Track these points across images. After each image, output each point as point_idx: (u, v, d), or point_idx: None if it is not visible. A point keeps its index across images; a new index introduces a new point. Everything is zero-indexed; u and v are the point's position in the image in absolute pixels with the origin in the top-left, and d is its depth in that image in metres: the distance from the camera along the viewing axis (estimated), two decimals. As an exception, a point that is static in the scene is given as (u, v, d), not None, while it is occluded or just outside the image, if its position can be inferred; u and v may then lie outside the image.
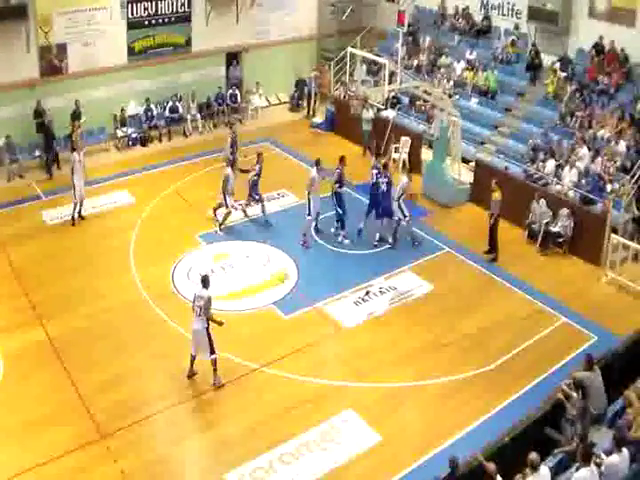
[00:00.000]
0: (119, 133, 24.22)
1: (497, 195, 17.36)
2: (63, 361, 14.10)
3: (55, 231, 19.11)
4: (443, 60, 25.37)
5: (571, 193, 18.68)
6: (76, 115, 22.72)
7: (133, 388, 13.51)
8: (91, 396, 13.19)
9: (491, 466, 9.51)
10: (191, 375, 13.67)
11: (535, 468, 9.47)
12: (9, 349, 14.42)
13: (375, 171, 18.23)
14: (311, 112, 27.55)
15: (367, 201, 18.68)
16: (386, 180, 18.05)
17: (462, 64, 24.84)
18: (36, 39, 22.47)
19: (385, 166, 18.31)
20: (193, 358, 13.52)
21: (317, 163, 18.51)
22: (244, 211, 19.53)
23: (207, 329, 13.10)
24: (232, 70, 27.20)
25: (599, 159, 18.94)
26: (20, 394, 13.27)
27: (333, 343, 15.11)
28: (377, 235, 18.41)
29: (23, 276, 16.94)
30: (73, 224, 19.19)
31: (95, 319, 15.42)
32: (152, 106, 24.75)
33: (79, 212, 19.40)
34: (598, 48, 21.55)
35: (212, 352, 13.21)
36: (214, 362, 13.32)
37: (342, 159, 18.40)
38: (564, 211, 18.01)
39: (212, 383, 13.44)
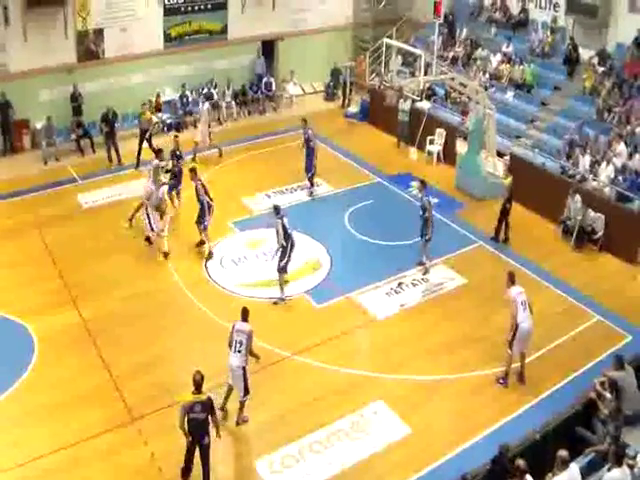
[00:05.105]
0: (154, 119, 24.34)
1: (508, 181, 17.60)
2: (96, 343, 14.27)
3: (90, 214, 19.32)
4: (479, 52, 25.15)
5: (607, 190, 18.46)
6: (108, 119, 22.15)
7: (165, 372, 13.63)
8: (123, 379, 13.35)
9: (521, 463, 9.47)
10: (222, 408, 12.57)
11: (565, 465, 9.42)
12: (44, 330, 14.61)
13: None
14: (346, 102, 27.46)
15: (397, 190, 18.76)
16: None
17: (498, 57, 24.57)
18: (74, 24, 22.66)
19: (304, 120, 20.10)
20: (230, 388, 12.51)
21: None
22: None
23: (244, 367, 12.09)
24: (257, 63, 26.84)
25: (637, 156, 18.65)
26: (54, 375, 13.44)
27: (364, 333, 15.12)
28: None
29: (58, 258, 17.13)
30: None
31: (128, 303, 15.58)
32: (187, 92, 24.84)
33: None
34: (638, 42, 21.21)
35: (246, 392, 12.21)
36: (243, 403, 12.35)
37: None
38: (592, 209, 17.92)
39: (235, 421, 12.45)
